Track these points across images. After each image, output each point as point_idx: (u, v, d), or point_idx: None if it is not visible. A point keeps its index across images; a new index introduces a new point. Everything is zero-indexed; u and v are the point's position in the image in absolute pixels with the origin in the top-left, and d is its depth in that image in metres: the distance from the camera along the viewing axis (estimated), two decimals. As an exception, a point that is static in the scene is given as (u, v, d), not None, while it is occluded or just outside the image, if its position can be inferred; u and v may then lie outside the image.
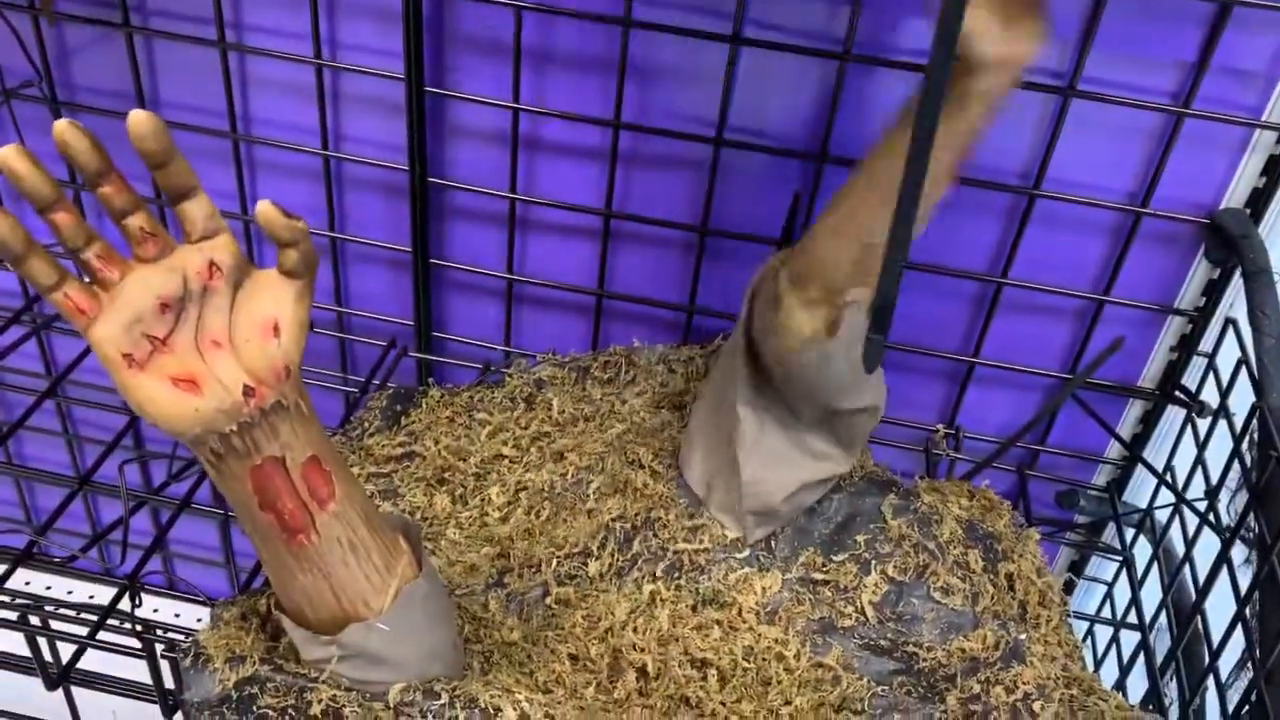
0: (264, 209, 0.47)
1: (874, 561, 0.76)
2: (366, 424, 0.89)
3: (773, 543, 0.77)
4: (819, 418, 0.74)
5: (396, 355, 0.98)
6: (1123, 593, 0.91)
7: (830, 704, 0.70)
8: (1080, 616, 0.92)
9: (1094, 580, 1.01)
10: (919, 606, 0.74)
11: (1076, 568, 1.02)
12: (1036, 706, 0.69)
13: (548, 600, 0.74)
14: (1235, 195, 0.80)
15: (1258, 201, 0.79)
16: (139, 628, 0.69)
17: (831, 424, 0.74)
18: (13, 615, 0.67)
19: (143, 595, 0.80)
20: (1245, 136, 0.78)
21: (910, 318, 0.90)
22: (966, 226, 0.85)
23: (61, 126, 0.45)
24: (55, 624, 0.68)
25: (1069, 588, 1.03)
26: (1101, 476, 0.97)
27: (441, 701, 0.60)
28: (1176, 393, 0.88)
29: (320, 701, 0.59)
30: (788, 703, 0.69)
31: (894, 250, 0.31)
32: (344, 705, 0.59)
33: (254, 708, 0.60)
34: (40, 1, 0.83)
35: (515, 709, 0.60)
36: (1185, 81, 0.76)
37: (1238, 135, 0.78)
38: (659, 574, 0.75)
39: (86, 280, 0.48)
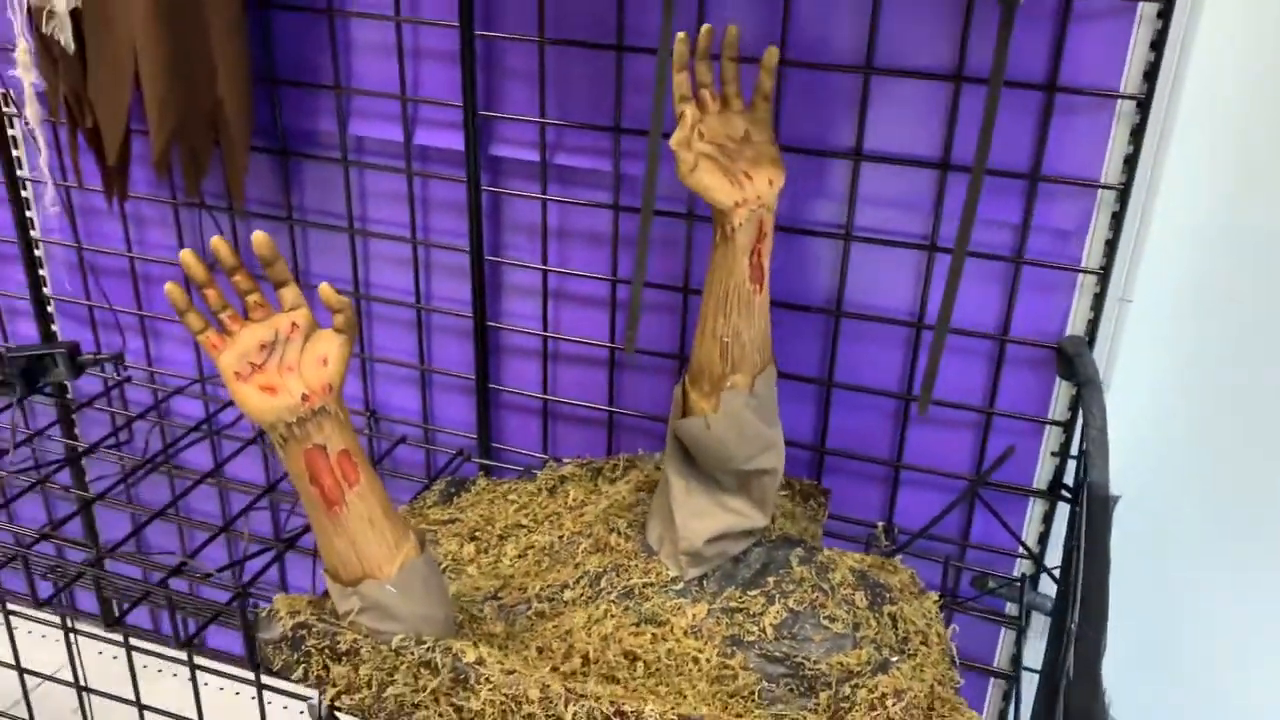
0: (323, 289, 0.80)
1: (778, 596, 0.98)
2: (427, 500, 1.19)
3: (704, 582, 1.00)
4: (737, 484, 0.99)
5: (461, 461, 1.29)
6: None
7: (727, 692, 0.91)
8: (998, 674, 1.08)
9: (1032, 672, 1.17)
10: (810, 630, 0.95)
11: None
12: (890, 703, 0.89)
13: (529, 613, 0.99)
14: (1075, 325, 1.03)
15: (1092, 329, 1.02)
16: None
17: (747, 488, 0.99)
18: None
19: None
20: (1074, 280, 1.02)
21: (844, 431, 1.14)
22: (877, 355, 1.11)
23: (216, 241, 0.80)
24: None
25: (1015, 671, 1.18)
26: (1019, 568, 1.15)
27: (426, 646, 0.86)
28: (1062, 490, 1.08)
29: (346, 642, 0.87)
30: (693, 687, 0.91)
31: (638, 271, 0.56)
32: (361, 646, 0.86)
33: (302, 645, 0.88)
34: (235, 204, 1.23)
35: (475, 652, 0.85)
36: (1021, 239, 1.02)
37: (1071, 279, 1.02)
38: (614, 599, 0.99)
39: (220, 329, 0.82)
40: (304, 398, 0.80)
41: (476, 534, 1.13)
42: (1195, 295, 0.98)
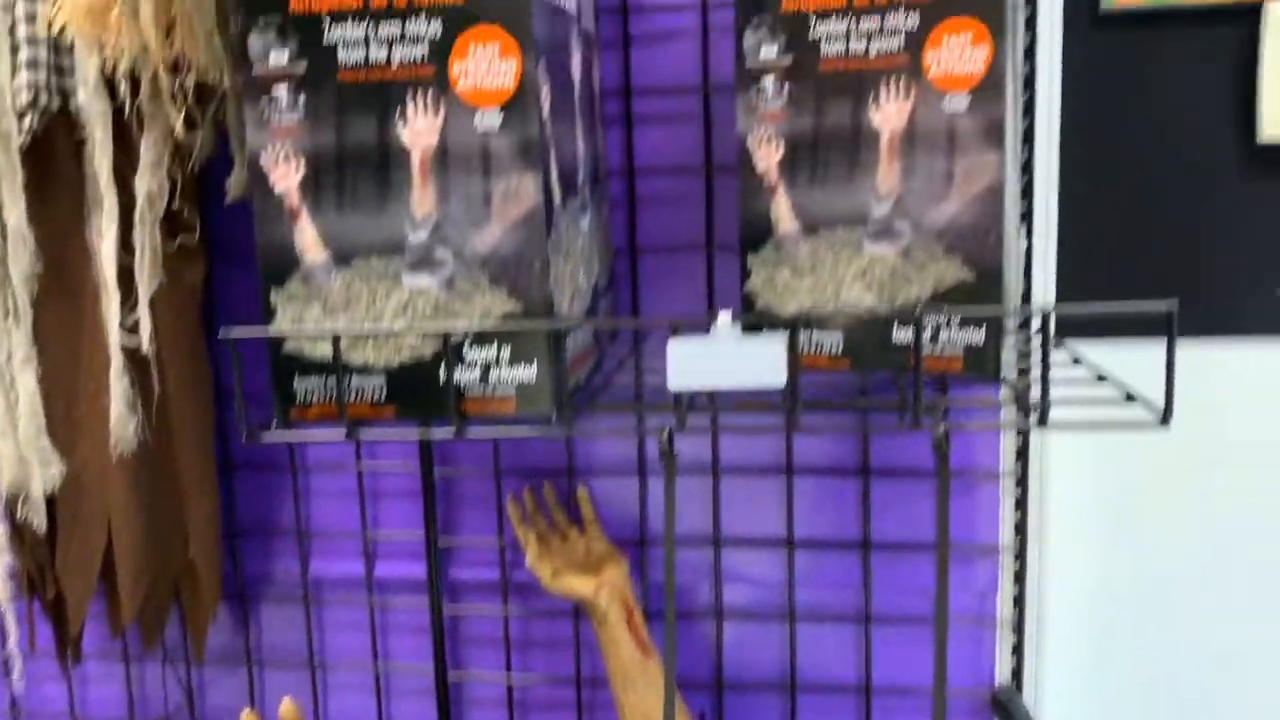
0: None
1: None
2: None
3: None
4: None
5: None
6: None
7: None
8: None
9: None
10: None
11: None
12: None
13: None
14: (1002, 673, 1.16)
15: (1017, 676, 1.15)
16: None
17: None
18: None
19: None
20: (994, 637, 1.16)
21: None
22: (833, 722, 1.20)
23: (246, 716, 0.85)
24: None
25: None
26: None
27: None
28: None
29: None
30: None
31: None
32: None
33: None
34: (196, 654, 1.25)
35: None
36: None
37: (993, 637, 1.16)
38: None
39: None
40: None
41: None
42: (1102, 636, 1.13)
